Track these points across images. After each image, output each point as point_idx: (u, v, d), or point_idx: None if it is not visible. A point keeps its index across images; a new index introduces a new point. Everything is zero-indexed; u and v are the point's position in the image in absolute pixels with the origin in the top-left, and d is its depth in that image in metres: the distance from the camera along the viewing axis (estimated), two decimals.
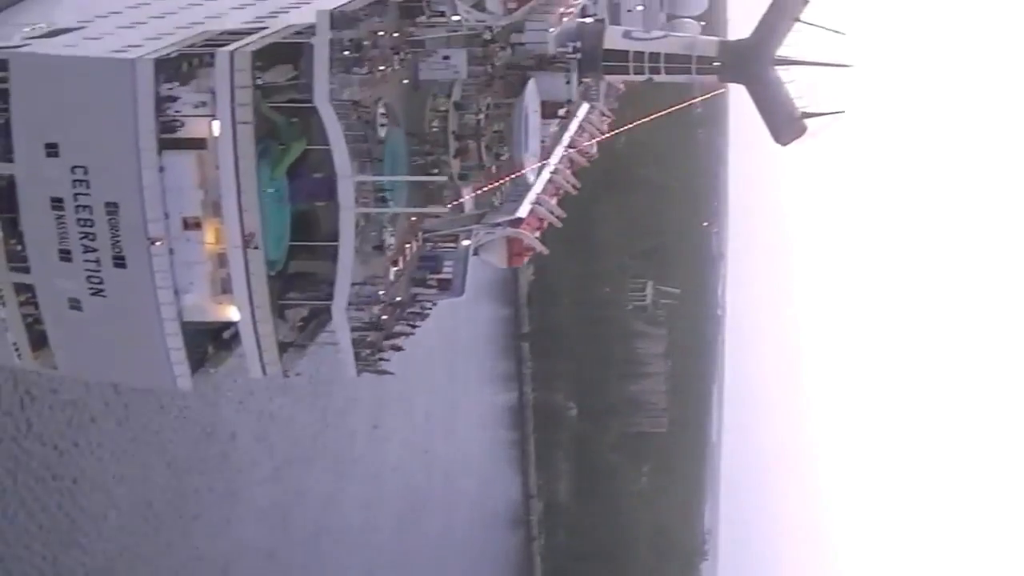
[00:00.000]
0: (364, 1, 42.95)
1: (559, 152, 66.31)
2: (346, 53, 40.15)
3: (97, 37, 43.22)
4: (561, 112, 63.62)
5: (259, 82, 38.84)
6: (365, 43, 41.38)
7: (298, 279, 41.69)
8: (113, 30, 44.91)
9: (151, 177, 38.68)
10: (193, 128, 38.96)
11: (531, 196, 55.42)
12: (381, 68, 42.64)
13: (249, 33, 42.46)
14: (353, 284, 40.57)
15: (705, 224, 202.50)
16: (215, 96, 38.50)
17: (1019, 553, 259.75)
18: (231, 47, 38.70)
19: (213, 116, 38.46)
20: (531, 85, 55.31)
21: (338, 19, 39.89)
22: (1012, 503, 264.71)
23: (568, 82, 63.11)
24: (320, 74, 39.21)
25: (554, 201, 69.26)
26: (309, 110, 39.17)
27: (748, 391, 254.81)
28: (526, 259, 58.14)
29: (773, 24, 68.46)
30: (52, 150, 39.88)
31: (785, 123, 72.86)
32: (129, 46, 40.53)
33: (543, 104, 60.96)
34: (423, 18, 47.84)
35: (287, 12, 48.30)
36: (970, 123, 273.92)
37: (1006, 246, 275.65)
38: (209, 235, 39.34)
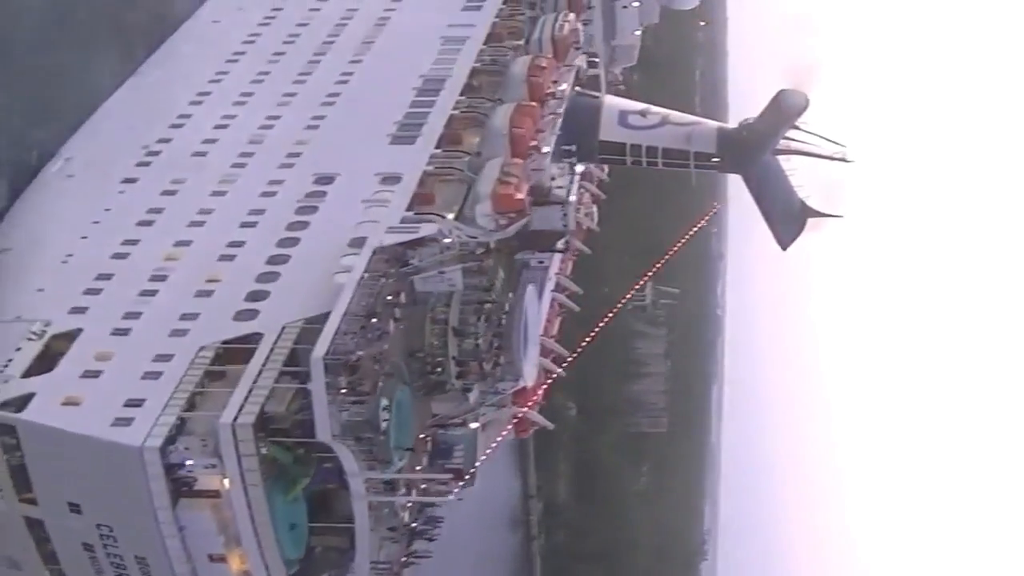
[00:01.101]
0: (359, 312, 43.26)
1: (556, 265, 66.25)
2: (343, 390, 40.88)
3: (96, 373, 43.64)
4: (559, 244, 63.69)
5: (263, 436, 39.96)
6: (362, 354, 41.85)
7: (318, 550, 43.47)
8: (108, 339, 45.49)
9: (174, 544, 40.74)
10: (206, 481, 40.69)
11: (532, 364, 55.87)
12: (380, 357, 43.34)
13: (247, 345, 43.52)
14: (372, 563, 42.80)
15: (705, 222, 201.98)
16: (223, 460, 39.91)
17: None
18: (231, 415, 39.73)
19: (223, 474, 40.11)
20: (530, 290, 55.81)
21: (332, 366, 40.55)
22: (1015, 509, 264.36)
23: (565, 214, 63.29)
24: (321, 414, 40.32)
25: (557, 323, 68.98)
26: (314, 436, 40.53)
27: (748, 391, 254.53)
28: (531, 431, 59.01)
29: (770, 126, 67.39)
30: (75, 508, 41.43)
31: (785, 222, 71.79)
32: (131, 402, 41.44)
33: (539, 234, 61.04)
34: (415, 256, 48.37)
35: (278, 274, 48.64)
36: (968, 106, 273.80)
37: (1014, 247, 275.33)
38: (234, 563, 41.41)
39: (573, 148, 67.32)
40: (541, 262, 62.18)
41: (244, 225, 52.23)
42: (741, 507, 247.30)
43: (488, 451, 52.39)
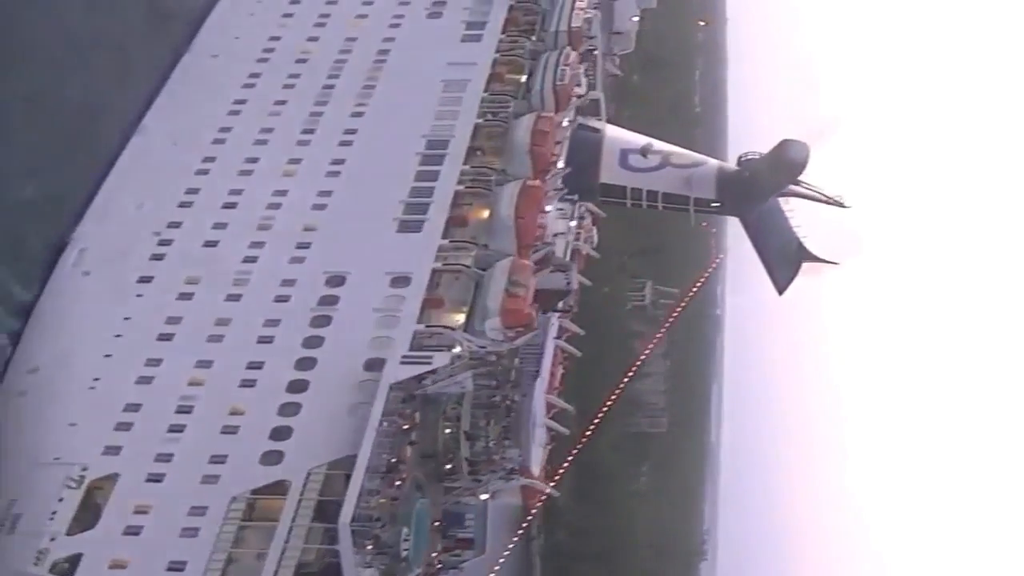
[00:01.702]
0: (379, 465, 46.67)
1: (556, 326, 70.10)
2: (369, 546, 44.59)
3: (137, 530, 46.87)
4: (560, 304, 68.12)
5: None
6: (383, 502, 45.59)
7: None
8: (144, 487, 48.48)
9: None
10: None
11: (539, 446, 60.02)
12: (399, 487, 47.04)
13: (276, 496, 46.09)
14: None
15: (704, 224, 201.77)
16: None
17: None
18: None
19: None
20: (538, 386, 59.43)
21: (358, 531, 43.87)
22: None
23: (568, 281, 68.61)
24: (348, 570, 43.84)
25: (560, 373, 71.89)
26: None
27: (748, 391, 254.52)
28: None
29: (771, 177, 67.71)
30: None
31: (780, 266, 72.79)
32: (174, 565, 45.16)
33: (544, 294, 63.86)
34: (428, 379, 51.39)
35: (299, 405, 51.02)
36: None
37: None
38: None
39: (575, 197, 68.46)
40: (546, 313, 64.82)
41: (261, 340, 54.07)
42: (741, 507, 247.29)
43: (513, 542, 56.50)
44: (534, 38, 76.17)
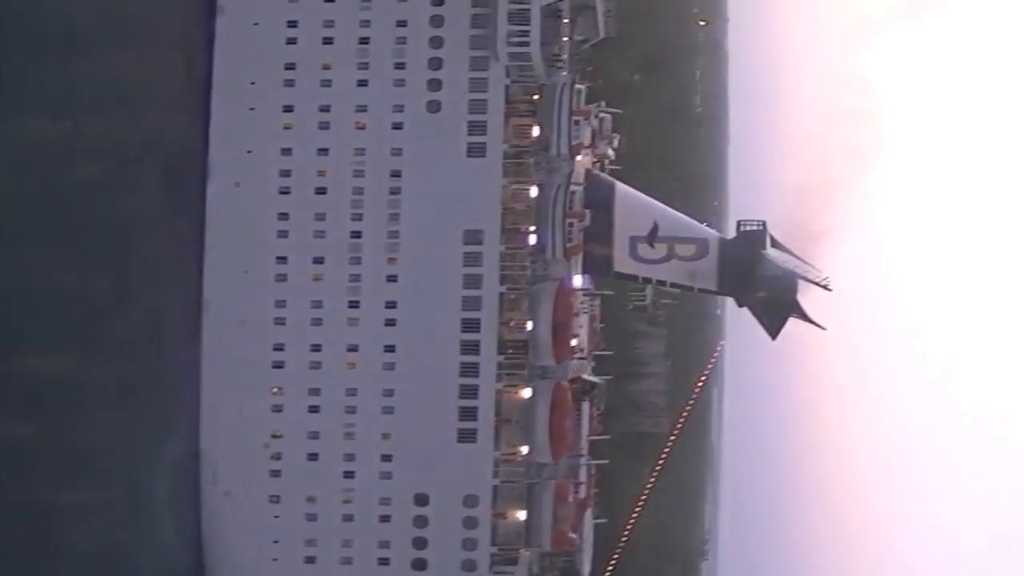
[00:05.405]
0: None
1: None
2: None
3: None
4: (589, 397, 79.67)
5: None
6: None
7: None
8: None
9: None
10: None
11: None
12: None
13: None
14: None
15: (704, 224, 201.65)
16: None
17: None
18: None
19: None
20: (588, 515, 75.48)
21: None
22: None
23: (595, 388, 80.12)
24: None
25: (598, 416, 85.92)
26: None
27: (748, 391, 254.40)
28: None
29: (764, 307, 73.02)
30: None
31: (770, 316, 78.85)
32: None
33: (574, 390, 75.22)
34: None
35: None
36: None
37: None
38: None
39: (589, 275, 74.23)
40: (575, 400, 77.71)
41: (381, 562, 69.11)
42: (741, 507, 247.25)
43: None
44: (536, 125, 75.14)
